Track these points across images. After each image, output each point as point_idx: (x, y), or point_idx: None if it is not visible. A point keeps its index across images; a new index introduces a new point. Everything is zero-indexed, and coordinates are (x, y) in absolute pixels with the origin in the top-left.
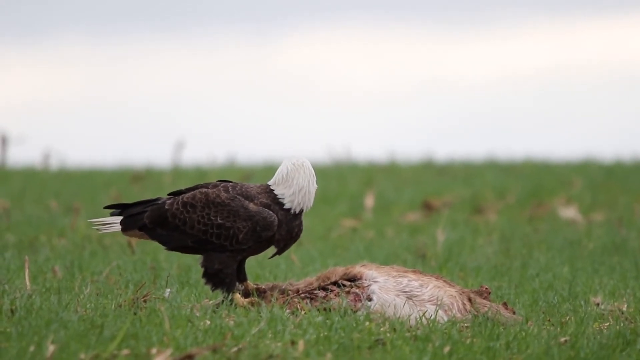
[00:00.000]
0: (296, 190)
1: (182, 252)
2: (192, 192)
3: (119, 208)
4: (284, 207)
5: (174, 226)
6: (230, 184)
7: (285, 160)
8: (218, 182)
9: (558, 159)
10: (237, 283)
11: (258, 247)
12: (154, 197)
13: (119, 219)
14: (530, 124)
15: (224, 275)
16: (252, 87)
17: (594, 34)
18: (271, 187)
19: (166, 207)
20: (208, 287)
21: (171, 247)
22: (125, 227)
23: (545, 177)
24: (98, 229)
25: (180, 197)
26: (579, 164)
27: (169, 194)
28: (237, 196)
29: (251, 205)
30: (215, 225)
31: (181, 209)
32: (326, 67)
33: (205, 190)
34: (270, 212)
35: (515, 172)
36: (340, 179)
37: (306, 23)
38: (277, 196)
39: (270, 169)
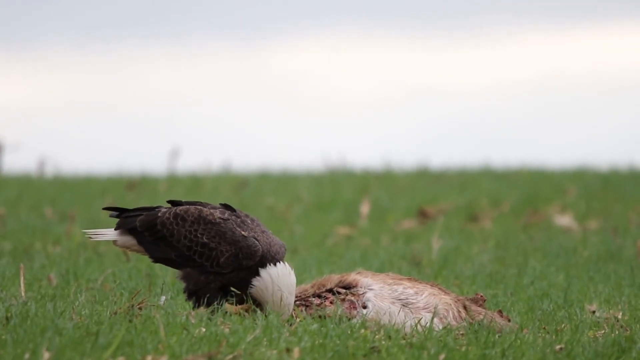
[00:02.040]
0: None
1: (165, 264)
2: (189, 206)
3: (117, 211)
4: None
5: (161, 236)
6: (240, 216)
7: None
8: (222, 205)
9: (553, 167)
10: (223, 299)
11: (241, 276)
12: (154, 205)
13: (112, 230)
14: (525, 132)
15: (201, 296)
16: (247, 94)
17: (589, 42)
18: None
19: (159, 214)
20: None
21: (156, 257)
22: (118, 226)
23: (541, 185)
24: (90, 237)
25: (175, 208)
26: (574, 172)
27: (168, 201)
28: (230, 219)
29: (240, 232)
30: (200, 243)
31: (172, 220)
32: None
33: (201, 207)
34: (256, 242)
35: (510, 180)
36: (335, 187)
37: (301, 30)
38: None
39: (265, 176)
